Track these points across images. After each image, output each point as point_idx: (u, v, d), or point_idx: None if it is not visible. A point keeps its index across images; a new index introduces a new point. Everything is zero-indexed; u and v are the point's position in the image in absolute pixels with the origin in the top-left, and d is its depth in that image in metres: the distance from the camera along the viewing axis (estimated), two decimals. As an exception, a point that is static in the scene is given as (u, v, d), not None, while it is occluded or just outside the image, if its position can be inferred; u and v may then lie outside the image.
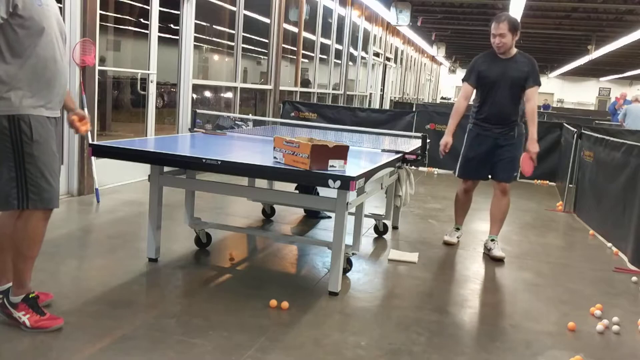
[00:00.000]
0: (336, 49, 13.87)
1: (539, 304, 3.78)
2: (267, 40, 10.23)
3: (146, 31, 6.88)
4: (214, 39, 10.85)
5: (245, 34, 9.10)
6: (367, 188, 3.91)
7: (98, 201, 5.61)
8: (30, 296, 2.82)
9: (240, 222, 5.28)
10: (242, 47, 9.02)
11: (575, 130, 7.21)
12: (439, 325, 3.29)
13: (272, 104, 10.29)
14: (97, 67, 5.88)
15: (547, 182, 9.01)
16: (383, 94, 19.47)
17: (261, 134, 5.19)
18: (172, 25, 7.57)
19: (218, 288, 3.64)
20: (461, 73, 31.62)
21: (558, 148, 8.82)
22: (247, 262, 4.29)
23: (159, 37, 6.92)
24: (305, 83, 12.59)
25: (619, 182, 5.32)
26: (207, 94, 10.59)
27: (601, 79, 39.04)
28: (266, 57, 10.38)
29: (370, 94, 17.78)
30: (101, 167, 5.83)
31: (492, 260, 4.64)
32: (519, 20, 4.62)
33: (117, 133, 9.17)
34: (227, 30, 9.77)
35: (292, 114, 9.88)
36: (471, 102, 4.89)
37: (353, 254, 4.10)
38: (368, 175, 3.49)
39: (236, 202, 5.93)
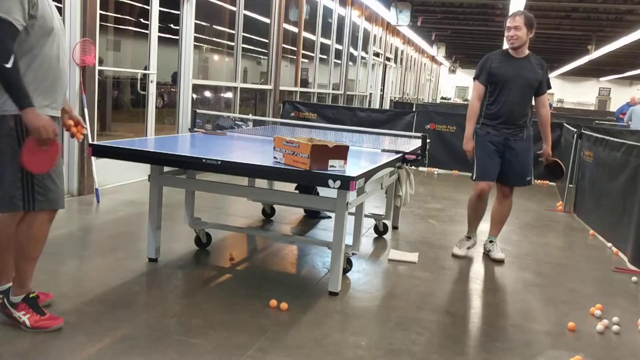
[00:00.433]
0: (336, 49, 13.87)
1: (539, 304, 3.78)
2: (267, 40, 10.24)
3: (146, 31, 6.87)
4: (214, 39, 10.86)
5: (245, 34, 9.10)
6: (367, 188, 3.90)
7: (98, 201, 5.61)
8: (30, 296, 2.82)
9: (240, 222, 5.28)
10: (242, 47, 9.02)
11: (575, 130, 7.20)
12: (439, 325, 3.29)
13: (272, 104, 10.29)
14: (97, 67, 5.88)
15: (547, 182, 9.01)
16: (383, 94, 19.47)
17: (261, 134, 5.19)
18: (172, 25, 7.57)
19: (218, 288, 3.64)
20: (461, 73, 31.51)
21: (558, 148, 8.81)
22: (247, 262, 4.29)
23: (159, 37, 6.91)
24: (304, 83, 12.59)
25: (619, 182, 5.32)
26: (207, 94, 10.59)
27: (601, 79, 39.03)
28: (266, 57, 10.38)
29: (370, 94, 17.79)
30: (101, 167, 5.83)
31: (492, 261, 4.64)
32: None
33: (117, 133, 9.18)
34: (227, 30, 9.77)
35: (292, 114, 9.89)
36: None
37: (353, 254, 4.10)
38: (368, 175, 3.49)
39: (236, 202, 5.93)
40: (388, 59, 19.24)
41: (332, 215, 3.64)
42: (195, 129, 5.06)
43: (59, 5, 5.55)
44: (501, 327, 3.37)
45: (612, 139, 5.92)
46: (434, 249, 4.89)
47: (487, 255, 4.73)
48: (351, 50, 14.84)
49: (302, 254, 4.50)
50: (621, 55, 21.67)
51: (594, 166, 6.24)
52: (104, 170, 5.95)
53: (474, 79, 4.66)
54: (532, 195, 7.75)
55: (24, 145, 2.62)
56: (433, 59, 30.13)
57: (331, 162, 3.22)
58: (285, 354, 2.78)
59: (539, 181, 8.98)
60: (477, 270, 4.45)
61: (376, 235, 5.13)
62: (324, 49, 13.27)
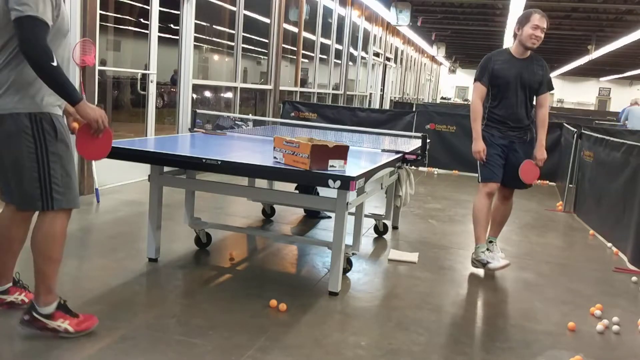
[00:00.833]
0: (336, 49, 13.87)
1: (539, 304, 3.78)
2: (267, 40, 10.23)
3: (146, 31, 6.87)
4: (214, 39, 10.86)
5: (245, 34, 9.10)
6: (367, 188, 3.90)
7: (98, 201, 5.61)
8: (62, 301, 2.77)
9: (240, 222, 5.28)
10: (242, 47, 9.01)
11: (575, 130, 7.21)
12: (439, 325, 3.29)
13: (272, 104, 10.29)
14: (97, 67, 5.87)
15: (547, 182, 9.01)
16: (383, 94, 19.47)
17: (261, 134, 5.19)
18: (172, 25, 7.57)
19: (218, 288, 3.64)
20: (461, 73, 31.47)
21: (558, 148, 8.82)
22: (247, 262, 4.29)
23: (159, 37, 6.91)
24: (302, 82, 12.58)
25: (619, 182, 5.32)
26: (207, 94, 10.59)
27: (601, 79, 39.03)
28: (266, 57, 10.38)
29: (370, 94, 17.78)
30: (101, 167, 5.83)
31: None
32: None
33: (117, 133, 9.15)
34: (227, 30, 9.77)
35: (292, 114, 9.88)
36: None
37: (353, 254, 4.10)
38: (368, 175, 3.49)
39: (236, 202, 5.93)
40: (388, 59, 19.24)
41: (332, 215, 3.64)
42: (195, 129, 5.06)
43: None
44: (501, 327, 3.37)
45: (612, 139, 5.92)
46: (434, 249, 4.89)
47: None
48: (351, 50, 14.84)
49: (302, 254, 4.50)
50: (621, 55, 21.67)
51: (594, 166, 6.24)
52: (104, 170, 5.94)
53: (476, 80, 4.45)
54: (532, 195, 7.75)
55: (77, 136, 2.67)
56: (433, 59, 30.13)
57: (331, 162, 3.22)
58: (285, 354, 2.78)
59: (539, 181, 8.98)
60: (477, 270, 4.44)
61: (376, 235, 5.13)
62: (324, 49, 13.27)
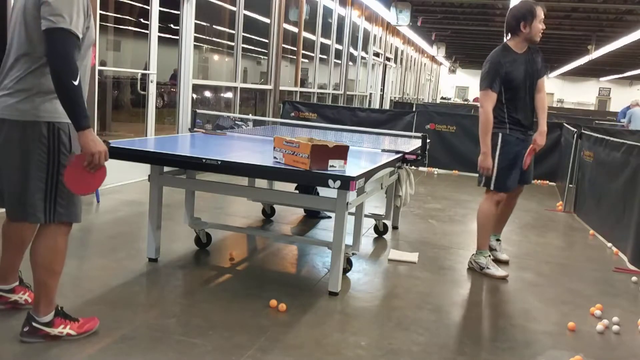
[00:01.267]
0: (336, 49, 13.86)
1: (539, 304, 3.78)
2: (267, 40, 10.23)
3: (146, 31, 6.87)
4: (214, 39, 10.86)
5: (245, 34, 9.10)
6: (367, 188, 3.90)
7: (98, 201, 5.61)
8: (59, 308, 2.76)
9: (240, 222, 5.28)
10: (242, 47, 9.01)
11: (575, 130, 7.21)
12: (439, 325, 3.29)
13: (272, 104, 10.29)
14: (97, 67, 5.87)
15: (547, 182, 9.01)
16: (383, 94, 19.47)
17: (261, 134, 5.19)
18: (172, 25, 7.57)
19: (218, 288, 3.64)
20: (461, 73, 31.41)
21: (558, 148, 8.82)
22: (247, 262, 4.29)
23: (159, 37, 6.91)
24: (302, 82, 12.58)
25: (619, 182, 5.32)
26: (207, 94, 10.60)
27: (601, 79, 39.02)
28: (266, 57, 10.38)
29: (370, 94, 17.78)
30: (101, 167, 5.82)
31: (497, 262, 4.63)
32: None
33: (117, 133, 9.18)
34: (227, 30, 9.77)
35: (292, 114, 9.88)
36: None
37: (353, 254, 4.10)
38: (368, 175, 3.49)
39: (236, 202, 5.93)
40: (388, 59, 19.24)
41: (332, 215, 3.64)
42: (195, 129, 5.06)
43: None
44: (501, 327, 3.37)
45: (612, 139, 5.92)
46: (434, 249, 4.89)
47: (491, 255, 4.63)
48: (351, 50, 14.84)
49: (302, 254, 4.50)
50: (621, 55, 21.67)
51: (594, 166, 6.24)
52: (104, 170, 5.93)
53: (485, 87, 4.09)
54: (532, 195, 7.75)
55: (68, 163, 2.55)
56: (433, 59, 30.12)
57: (331, 162, 3.22)
58: (285, 354, 2.78)
59: (539, 181, 8.98)
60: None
61: (376, 235, 5.13)
62: (324, 49, 13.27)
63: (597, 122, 13.66)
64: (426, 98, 30.22)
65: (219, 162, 3.34)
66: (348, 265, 3.99)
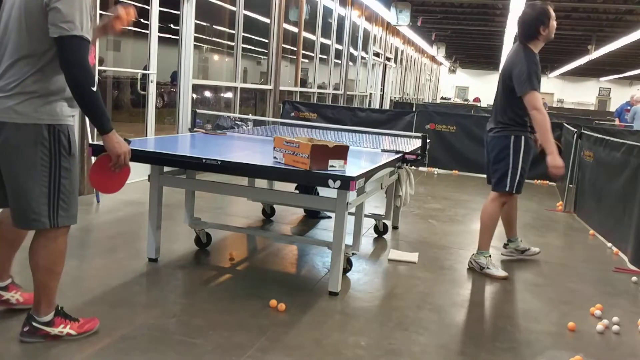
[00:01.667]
0: (336, 49, 13.87)
1: (539, 304, 3.78)
2: (267, 40, 10.24)
3: (146, 31, 6.87)
4: (214, 39, 10.86)
5: (245, 34, 9.10)
6: (367, 188, 3.91)
7: (98, 201, 5.61)
8: (59, 308, 2.77)
9: (240, 222, 5.28)
10: (242, 47, 9.02)
11: (575, 130, 7.20)
12: (439, 325, 3.29)
13: (272, 104, 10.29)
14: (97, 67, 5.87)
15: (547, 182, 9.01)
16: (383, 94, 19.47)
17: (261, 134, 5.19)
18: (172, 25, 7.57)
19: (218, 288, 3.64)
20: (461, 73, 31.38)
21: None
22: (247, 262, 4.29)
23: (159, 37, 6.91)
24: (302, 82, 12.59)
25: (619, 182, 5.32)
26: (207, 94, 10.60)
27: (601, 79, 39.01)
28: (266, 57, 10.38)
29: (370, 94, 17.78)
30: (101, 167, 5.83)
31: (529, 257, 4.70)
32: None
33: (117, 133, 9.17)
34: (227, 30, 9.77)
35: (292, 114, 9.89)
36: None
37: (353, 254, 4.10)
38: (368, 175, 3.49)
39: (236, 202, 5.93)
40: (388, 59, 19.24)
41: (332, 215, 3.64)
42: (195, 129, 5.06)
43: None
44: (501, 327, 3.37)
45: (612, 139, 5.92)
46: (434, 249, 4.89)
47: (521, 257, 4.72)
48: (351, 50, 14.84)
49: (302, 254, 4.50)
50: (621, 55, 21.68)
51: (594, 166, 6.24)
52: (104, 170, 5.93)
53: (532, 89, 3.99)
54: (532, 195, 7.76)
55: (93, 164, 2.60)
56: (433, 59, 30.12)
57: (331, 162, 3.22)
58: (285, 354, 2.78)
59: (539, 181, 8.98)
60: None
61: (376, 235, 5.13)
62: (324, 49, 13.27)
63: (597, 122, 13.65)
64: (426, 98, 30.22)
65: (219, 162, 3.34)
66: (348, 265, 3.99)
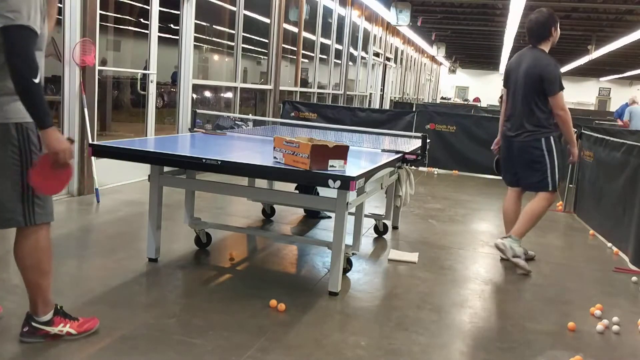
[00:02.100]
0: (336, 49, 13.87)
1: (539, 304, 3.78)
2: (267, 40, 10.24)
3: (146, 31, 6.88)
4: (214, 39, 10.86)
5: (245, 34, 9.10)
6: (367, 188, 3.90)
7: (98, 201, 5.61)
8: (58, 307, 2.76)
9: (240, 222, 5.28)
10: (242, 47, 9.02)
11: (575, 130, 7.19)
12: (439, 325, 3.29)
13: (272, 104, 10.29)
14: (98, 67, 5.88)
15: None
16: (383, 94, 19.47)
17: (261, 134, 5.19)
18: (172, 25, 7.57)
19: (218, 288, 3.64)
20: (461, 73, 31.39)
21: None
22: (247, 262, 4.29)
23: (159, 37, 6.91)
24: (303, 83, 12.59)
25: (619, 182, 5.32)
26: (207, 94, 10.60)
27: (601, 79, 39.00)
28: (266, 57, 10.38)
29: (370, 94, 17.78)
30: (101, 167, 5.83)
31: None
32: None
33: (117, 133, 9.19)
34: (227, 30, 9.77)
35: (292, 114, 9.89)
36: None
37: (353, 254, 4.10)
38: (368, 175, 3.49)
39: (236, 202, 5.93)
40: (388, 59, 19.24)
41: (332, 215, 3.64)
42: (195, 129, 5.06)
43: (59, 5, 5.55)
44: (501, 327, 3.37)
45: (612, 139, 5.92)
46: (434, 249, 4.89)
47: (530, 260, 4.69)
48: (351, 50, 14.84)
49: (302, 254, 4.50)
50: (621, 55, 21.68)
51: (594, 166, 6.24)
52: (104, 170, 5.95)
53: (560, 89, 4.35)
54: (531, 195, 7.74)
55: (33, 164, 2.51)
56: (433, 59, 30.12)
57: (331, 162, 3.22)
58: (285, 354, 2.78)
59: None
60: (477, 270, 4.45)
61: (376, 235, 5.13)
62: (324, 49, 13.27)
63: (597, 122, 13.64)
64: (426, 98, 30.22)
65: (219, 162, 3.34)
66: (348, 265, 3.99)
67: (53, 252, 3.92)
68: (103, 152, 3.69)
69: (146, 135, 6.95)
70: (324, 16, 12.73)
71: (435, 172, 9.46)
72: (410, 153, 4.43)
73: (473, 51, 28.10)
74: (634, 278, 4.33)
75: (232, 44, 9.06)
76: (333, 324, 3.19)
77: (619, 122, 13.32)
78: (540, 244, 5.33)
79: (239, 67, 9.02)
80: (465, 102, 29.69)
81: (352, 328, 3.16)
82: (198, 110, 5.42)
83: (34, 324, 2.69)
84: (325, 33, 13.20)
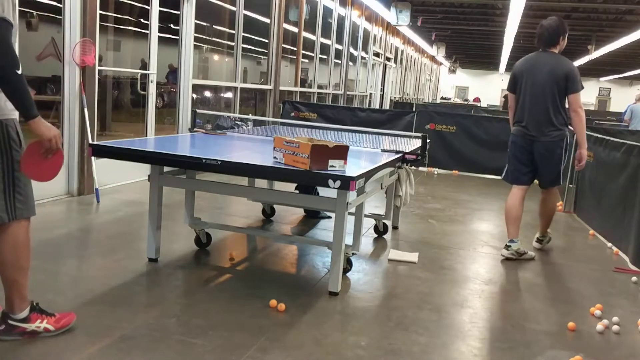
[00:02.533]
0: (336, 49, 13.87)
1: (539, 304, 3.78)
2: (267, 40, 10.24)
3: (146, 31, 6.88)
4: (214, 39, 10.86)
5: (245, 34, 9.10)
6: (367, 188, 3.90)
7: (98, 201, 5.61)
8: (34, 304, 2.76)
9: (240, 222, 5.28)
10: (242, 47, 9.02)
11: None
12: (439, 325, 3.29)
13: (272, 104, 10.29)
14: (97, 67, 5.88)
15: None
16: (383, 94, 19.47)
17: (261, 134, 5.19)
18: (172, 25, 7.57)
19: (218, 288, 3.64)
20: (461, 73, 31.42)
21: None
22: (247, 262, 4.29)
23: (159, 37, 6.91)
24: (302, 82, 12.59)
25: (619, 182, 5.33)
26: (207, 94, 10.60)
27: (601, 79, 39.01)
28: (266, 57, 10.38)
29: (370, 94, 17.78)
30: (101, 167, 5.84)
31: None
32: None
33: (117, 133, 9.18)
34: (227, 30, 9.77)
35: (292, 114, 9.89)
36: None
37: (353, 254, 4.10)
38: (368, 175, 3.49)
39: (236, 202, 5.93)
40: (388, 59, 19.24)
41: (332, 215, 3.64)
42: (195, 129, 5.06)
43: (59, 5, 5.56)
44: (501, 327, 3.37)
45: (612, 139, 5.92)
46: (434, 249, 4.89)
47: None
48: (351, 50, 14.84)
49: (302, 254, 4.50)
50: (621, 55, 21.67)
51: (594, 166, 6.24)
52: (104, 170, 5.95)
53: (582, 89, 4.57)
54: (532, 195, 7.73)
55: (24, 153, 2.52)
56: (433, 59, 30.13)
57: (331, 162, 3.22)
58: (285, 354, 2.78)
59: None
60: (477, 270, 4.45)
61: (376, 235, 5.13)
62: (324, 49, 13.27)
63: (597, 122, 13.65)
64: (426, 98, 30.22)
65: (219, 162, 3.34)
66: (348, 265, 3.99)
67: (53, 252, 3.94)
68: (103, 152, 3.69)
69: (146, 135, 6.95)
70: (324, 16, 12.73)
71: (435, 172, 9.46)
72: (410, 153, 4.43)
73: (473, 51, 28.10)
74: (634, 278, 4.33)
75: (232, 44, 9.06)
76: (333, 324, 3.19)
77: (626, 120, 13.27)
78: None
79: (239, 67, 9.02)
80: (465, 102, 29.69)
81: (352, 328, 3.16)
82: (198, 110, 5.42)
83: (10, 321, 2.69)
84: (325, 33, 13.20)
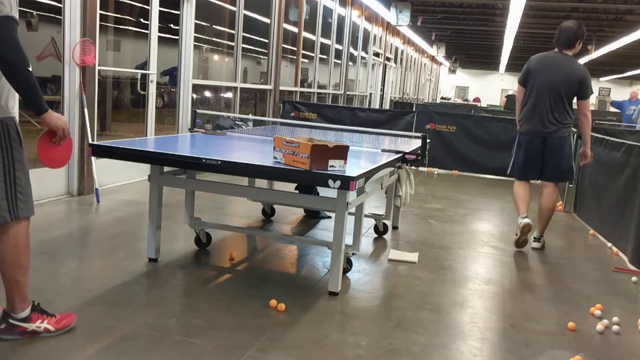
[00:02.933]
0: (336, 49, 13.86)
1: (539, 304, 3.78)
2: (267, 40, 10.24)
3: (146, 31, 6.88)
4: (214, 39, 10.86)
5: (245, 34, 9.10)
6: (367, 188, 3.90)
7: (98, 201, 5.61)
8: (35, 304, 2.76)
9: (240, 222, 5.28)
10: (242, 47, 9.02)
11: (575, 130, 7.19)
12: (439, 325, 3.29)
13: (272, 104, 10.29)
14: (97, 67, 5.88)
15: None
16: (383, 94, 19.46)
17: (261, 134, 5.19)
18: (172, 25, 7.57)
19: (218, 288, 3.64)
20: (461, 73, 31.41)
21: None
22: (247, 262, 4.29)
23: (159, 37, 6.91)
24: (302, 82, 12.59)
25: (619, 182, 5.32)
26: (207, 94, 10.60)
27: (601, 79, 39.02)
28: (266, 57, 10.38)
29: (370, 94, 17.78)
30: (101, 167, 5.83)
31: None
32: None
33: (117, 133, 9.18)
34: (227, 30, 9.77)
35: (292, 114, 9.89)
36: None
37: (353, 254, 4.10)
38: (368, 175, 3.49)
39: (236, 202, 5.93)
40: (388, 59, 19.24)
41: (332, 215, 3.64)
42: (195, 129, 5.06)
43: (59, 5, 5.56)
44: (501, 327, 3.37)
45: (612, 139, 5.92)
46: (434, 249, 4.89)
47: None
48: (351, 50, 14.84)
49: (302, 254, 4.50)
50: (621, 55, 21.70)
51: (594, 166, 6.23)
52: (104, 170, 5.95)
53: (590, 95, 4.90)
54: (532, 195, 7.73)
55: (38, 145, 2.63)
56: (433, 59, 30.12)
57: (331, 162, 3.22)
58: (285, 354, 2.78)
59: (539, 181, 8.96)
60: (477, 270, 4.45)
61: (376, 235, 5.13)
62: (324, 49, 13.27)
63: (597, 122, 13.64)
64: (426, 98, 30.22)
65: (219, 162, 3.34)
66: (348, 265, 3.99)
67: (53, 252, 3.94)
68: (103, 152, 3.69)
69: (146, 135, 6.95)
70: (324, 16, 12.73)
71: (435, 172, 9.46)
72: (410, 153, 4.43)
73: (473, 51, 28.10)
74: (634, 278, 4.33)
75: (232, 44, 9.06)
76: (333, 324, 3.19)
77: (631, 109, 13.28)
78: (540, 244, 5.33)
79: (239, 67, 9.03)
80: (465, 102, 29.67)
81: (352, 328, 3.16)
82: (198, 110, 5.42)
83: (11, 320, 2.69)
84: (325, 33, 13.20)
